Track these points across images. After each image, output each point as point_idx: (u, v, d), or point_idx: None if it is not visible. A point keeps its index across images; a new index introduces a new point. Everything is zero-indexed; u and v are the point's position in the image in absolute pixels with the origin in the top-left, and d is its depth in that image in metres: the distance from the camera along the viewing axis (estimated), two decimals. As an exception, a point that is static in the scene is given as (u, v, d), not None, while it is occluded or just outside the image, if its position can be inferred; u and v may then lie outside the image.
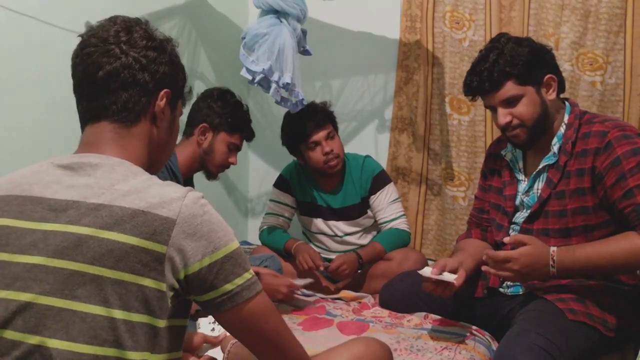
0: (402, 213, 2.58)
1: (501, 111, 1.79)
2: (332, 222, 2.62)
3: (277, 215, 2.67)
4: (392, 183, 2.61)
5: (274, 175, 3.16)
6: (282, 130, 2.57)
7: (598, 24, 2.40)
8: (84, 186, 1.00)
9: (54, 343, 0.92)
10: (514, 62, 1.75)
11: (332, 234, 2.63)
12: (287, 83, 2.22)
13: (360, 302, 2.28)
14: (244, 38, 2.29)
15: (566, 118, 1.82)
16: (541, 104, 1.78)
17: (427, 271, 1.81)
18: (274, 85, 2.22)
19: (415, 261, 2.40)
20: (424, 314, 2.08)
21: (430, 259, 2.76)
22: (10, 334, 0.94)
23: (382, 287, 2.27)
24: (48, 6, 1.98)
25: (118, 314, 0.93)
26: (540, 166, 1.83)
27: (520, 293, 1.88)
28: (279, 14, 2.27)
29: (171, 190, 1.00)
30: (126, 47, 1.07)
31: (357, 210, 2.60)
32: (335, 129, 2.54)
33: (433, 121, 2.77)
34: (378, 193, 2.56)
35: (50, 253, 0.95)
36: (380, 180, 2.58)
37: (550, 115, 1.80)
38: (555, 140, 1.81)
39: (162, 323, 0.96)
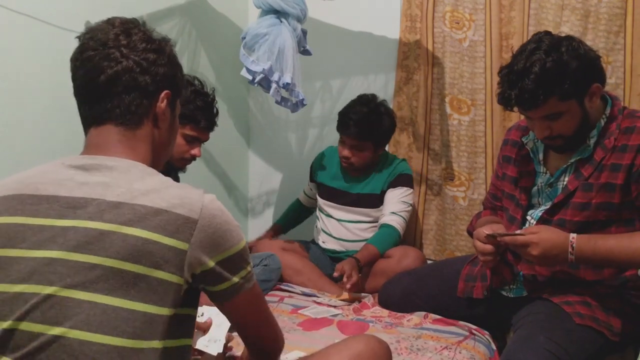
0: (403, 215, 2.55)
1: (539, 124, 1.69)
2: (340, 206, 2.64)
3: (304, 192, 2.89)
4: (412, 190, 2.61)
5: (274, 175, 3.17)
6: (345, 106, 2.59)
7: (598, 24, 2.40)
8: (100, 184, 1.02)
9: (75, 334, 0.94)
10: (560, 80, 1.60)
11: (341, 219, 2.63)
12: (287, 83, 2.23)
13: (360, 302, 2.28)
14: (244, 38, 2.29)
15: (608, 110, 1.72)
16: (582, 115, 1.67)
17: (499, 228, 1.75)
18: (274, 85, 2.23)
19: (415, 258, 2.40)
20: (423, 313, 2.09)
21: (430, 259, 2.76)
22: (27, 326, 0.96)
23: (382, 287, 2.27)
24: (48, 6, 1.98)
25: (139, 306, 0.96)
26: (573, 160, 1.74)
27: (524, 295, 1.86)
28: (279, 14, 2.27)
29: (189, 191, 1.04)
30: (126, 51, 1.08)
31: (373, 200, 2.60)
32: (376, 146, 2.55)
33: (433, 121, 2.77)
34: (396, 188, 2.57)
35: (71, 247, 0.97)
36: (404, 180, 2.59)
37: (590, 121, 1.70)
38: (594, 132, 1.71)
39: (172, 312, 1.00)
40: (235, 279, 1.07)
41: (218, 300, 1.11)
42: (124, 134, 1.10)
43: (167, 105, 1.14)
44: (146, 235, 0.97)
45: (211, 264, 1.03)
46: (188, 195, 1.03)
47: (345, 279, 2.27)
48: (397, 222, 2.52)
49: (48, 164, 1.09)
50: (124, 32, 1.10)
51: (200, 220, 1.01)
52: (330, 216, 2.68)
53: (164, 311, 0.98)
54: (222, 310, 1.15)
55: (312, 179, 2.80)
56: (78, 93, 1.12)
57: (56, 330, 0.94)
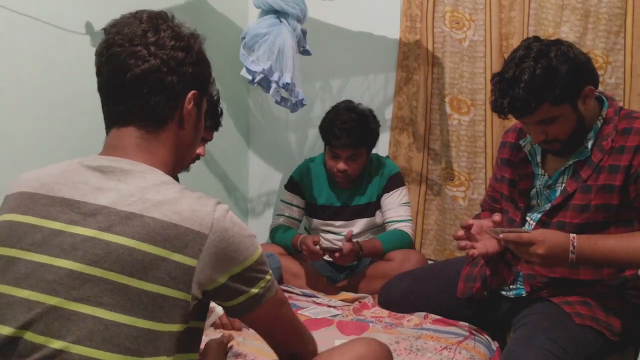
0: (410, 218, 2.57)
1: (534, 129, 1.70)
2: (340, 222, 2.61)
3: (286, 216, 2.68)
4: (405, 187, 2.62)
5: (274, 175, 3.16)
6: (324, 118, 2.55)
7: (598, 24, 2.40)
8: (114, 191, 0.99)
9: (78, 349, 0.92)
10: (550, 86, 1.60)
11: (338, 233, 2.61)
12: (287, 83, 2.22)
13: (360, 302, 2.28)
14: (244, 38, 2.29)
15: (604, 112, 1.72)
16: (577, 118, 1.67)
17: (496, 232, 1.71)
18: (274, 85, 2.22)
19: (417, 262, 2.39)
20: (423, 314, 2.08)
21: (431, 259, 2.76)
22: (30, 336, 0.94)
23: (381, 287, 2.27)
24: (48, 6, 1.98)
25: (142, 323, 0.94)
26: (570, 162, 1.75)
27: (524, 295, 1.86)
28: (279, 14, 2.27)
29: (203, 202, 1.00)
30: (154, 49, 1.04)
31: (372, 208, 2.59)
32: (369, 150, 2.53)
33: (433, 121, 2.77)
34: (392, 192, 2.56)
35: (79, 258, 0.94)
36: (396, 180, 2.59)
37: (586, 123, 1.70)
38: (591, 134, 1.71)
39: (182, 328, 0.98)
40: (254, 290, 1.04)
41: (239, 315, 1.08)
42: (144, 137, 1.06)
43: (194, 106, 1.10)
44: (155, 251, 0.94)
45: (223, 279, 1.00)
46: (200, 208, 0.99)
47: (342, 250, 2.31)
48: (410, 228, 2.53)
49: (69, 163, 1.06)
50: (153, 29, 1.06)
51: (211, 235, 0.97)
52: (330, 232, 2.64)
53: (172, 327, 0.96)
54: (247, 322, 1.12)
55: (304, 198, 2.66)
56: (102, 90, 1.09)
57: (58, 344, 0.92)
